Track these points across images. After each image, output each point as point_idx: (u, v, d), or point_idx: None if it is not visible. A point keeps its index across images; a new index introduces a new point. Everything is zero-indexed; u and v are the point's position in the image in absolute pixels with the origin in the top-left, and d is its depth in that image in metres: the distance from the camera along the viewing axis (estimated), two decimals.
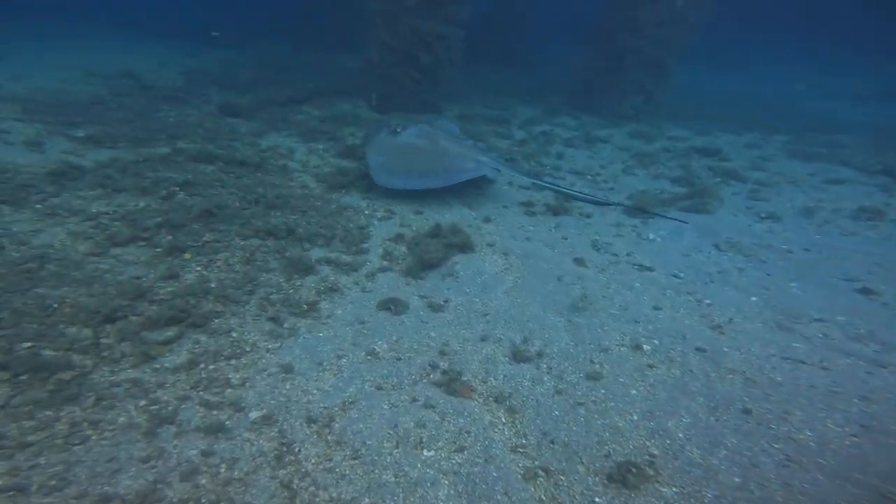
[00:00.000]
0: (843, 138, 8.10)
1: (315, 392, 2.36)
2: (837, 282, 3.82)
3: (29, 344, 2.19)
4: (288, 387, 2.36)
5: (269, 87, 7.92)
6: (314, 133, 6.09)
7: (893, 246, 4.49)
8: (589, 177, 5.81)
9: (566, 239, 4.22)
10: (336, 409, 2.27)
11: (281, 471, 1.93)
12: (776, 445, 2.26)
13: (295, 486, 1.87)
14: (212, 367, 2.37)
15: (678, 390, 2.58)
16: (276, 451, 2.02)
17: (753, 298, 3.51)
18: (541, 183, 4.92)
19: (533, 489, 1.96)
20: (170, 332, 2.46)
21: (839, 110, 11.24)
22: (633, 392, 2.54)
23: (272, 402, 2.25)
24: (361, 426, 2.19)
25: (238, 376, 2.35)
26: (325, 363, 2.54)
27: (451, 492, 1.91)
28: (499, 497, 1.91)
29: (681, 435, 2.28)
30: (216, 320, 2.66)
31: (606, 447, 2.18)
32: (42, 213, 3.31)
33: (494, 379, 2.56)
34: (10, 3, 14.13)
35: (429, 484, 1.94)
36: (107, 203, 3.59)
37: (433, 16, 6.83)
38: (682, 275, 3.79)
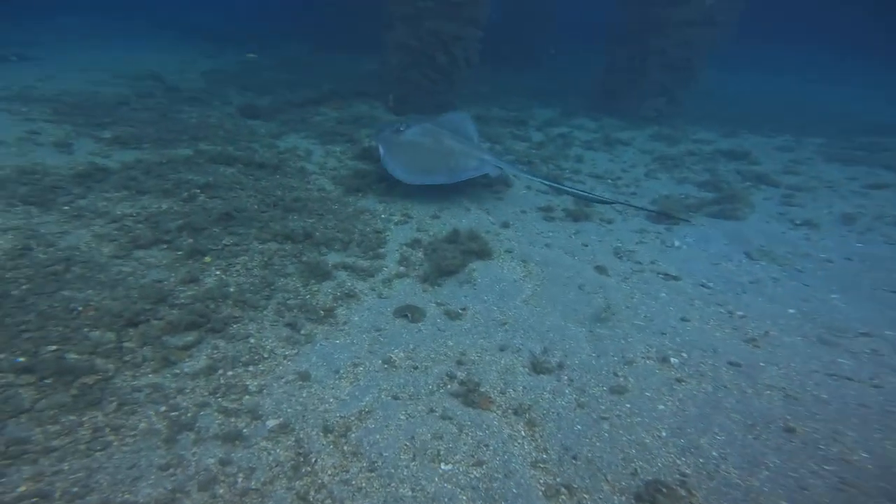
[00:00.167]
0: (885, 140, 7.68)
1: (331, 400, 2.34)
2: (884, 294, 3.61)
3: (54, 347, 2.23)
4: (304, 395, 2.35)
5: (287, 89, 8.00)
6: (332, 135, 6.11)
7: None
8: (610, 181, 5.66)
9: (587, 246, 4.12)
10: (352, 418, 2.25)
11: (297, 482, 1.91)
12: (827, 467, 2.13)
13: (311, 499, 1.85)
14: (230, 373, 2.37)
15: (710, 406, 2.47)
16: (292, 462, 2.00)
17: (791, 310, 3.35)
18: (545, 182, 4.85)
19: None
20: (189, 337, 2.48)
21: (872, 112, 10.75)
22: (661, 407, 2.45)
23: (289, 410, 2.24)
24: (378, 437, 2.16)
25: (256, 383, 2.35)
26: (341, 371, 2.52)
27: None
28: None
29: (715, 453, 2.18)
30: (234, 325, 2.67)
31: (633, 464, 2.10)
32: (69, 214, 3.38)
33: (513, 390, 2.50)
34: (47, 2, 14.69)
35: (447, 499, 1.89)
36: (131, 205, 3.66)
37: (452, 17, 6.77)
38: (710, 284, 3.65)
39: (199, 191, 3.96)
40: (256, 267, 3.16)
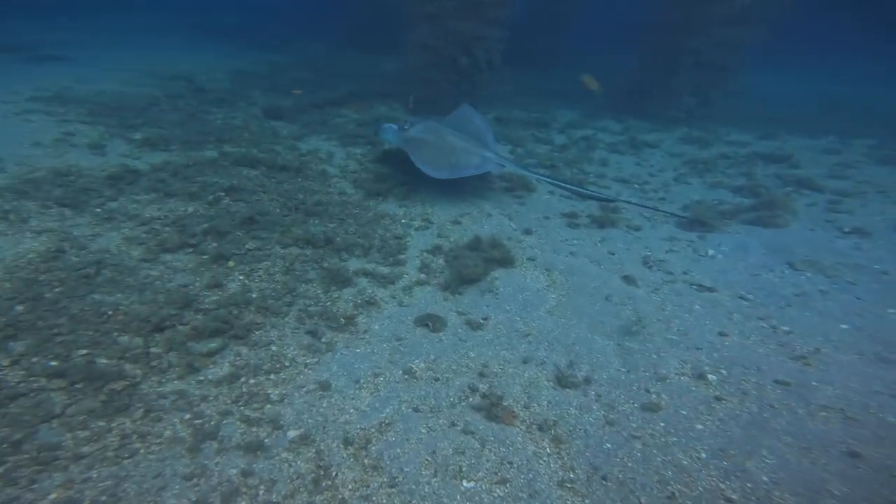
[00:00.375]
0: None
1: (352, 411, 2.32)
2: None
3: (85, 351, 2.27)
4: (325, 405, 2.33)
5: (309, 90, 8.07)
6: (352, 137, 6.12)
7: None
8: (637, 185, 5.48)
9: (613, 254, 3.99)
10: (373, 430, 2.22)
11: (318, 496, 1.89)
12: None
13: None
14: (252, 381, 2.38)
15: (756, 427, 2.33)
16: (313, 474, 1.99)
17: (844, 326, 3.15)
18: (549, 181, 4.75)
19: None
20: (213, 344, 2.50)
21: None
22: (699, 427, 2.33)
23: (309, 420, 2.23)
24: (398, 451, 2.13)
25: (277, 392, 2.35)
26: (361, 381, 2.50)
27: None
28: None
29: (766, 478, 2.05)
30: (257, 332, 2.67)
31: (670, 487, 2.00)
32: (101, 217, 3.47)
33: (538, 405, 2.43)
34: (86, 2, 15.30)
35: None
36: (159, 208, 3.73)
37: (474, 17, 6.69)
38: (750, 297, 3.46)
39: (223, 194, 4.01)
40: (278, 272, 3.18)
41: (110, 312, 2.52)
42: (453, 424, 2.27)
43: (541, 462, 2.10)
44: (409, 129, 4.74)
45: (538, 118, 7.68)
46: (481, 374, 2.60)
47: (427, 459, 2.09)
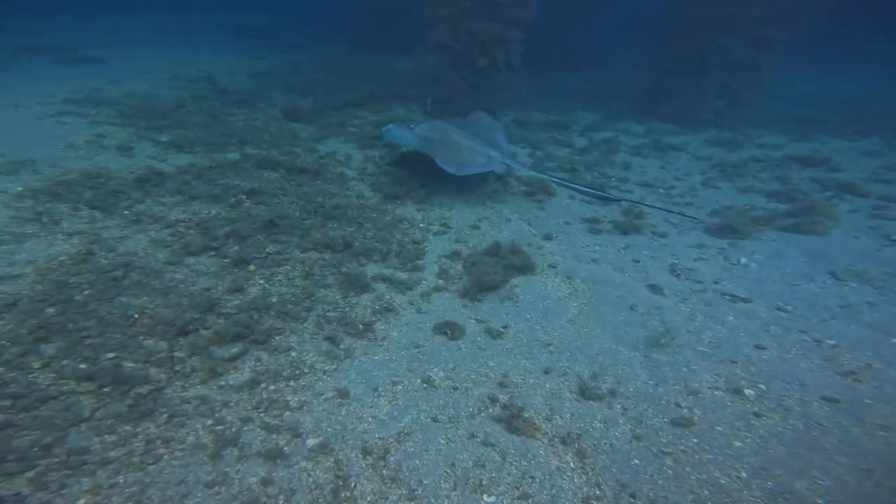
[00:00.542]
0: None
1: (370, 420, 2.31)
2: None
3: (112, 354, 2.32)
4: (343, 413, 2.33)
5: (328, 91, 8.14)
6: (370, 139, 6.13)
7: None
8: (661, 190, 5.31)
9: (638, 262, 3.87)
10: (391, 440, 2.20)
11: None
12: None
13: None
14: (272, 387, 2.39)
15: (804, 446, 2.22)
16: (332, 484, 1.98)
17: None
18: (556, 181, 4.72)
19: None
20: (234, 349, 2.52)
21: None
22: (738, 444, 2.23)
23: (328, 429, 2.23)
24: (417, 462, 2.10)
25: (296, 399, 2.35)
26: (380, 389, 2.49)
27: None
28: None
29: (821, 501, 1.96)
30: (277, 337, 2.69)
31: None
32: (129, 219, 3.55)
33: (560, 417, 2.37)
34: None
35: None
36: (183, 210, 3.80)
37: (494, 18, 6.60)
38: (789, 308, 3.31)
39: (244, 196, 4.06)
40: (298, 277, 3.19)
41: (136, 316, 2.58)
42: (473, 436, 2.24)
43: (564, 477, 2.05)
44: (414, 128, 4.80)
45: (558, 120, 7.54)
46: (501, 385, 2.55)
47: (446, 472, 2.06)
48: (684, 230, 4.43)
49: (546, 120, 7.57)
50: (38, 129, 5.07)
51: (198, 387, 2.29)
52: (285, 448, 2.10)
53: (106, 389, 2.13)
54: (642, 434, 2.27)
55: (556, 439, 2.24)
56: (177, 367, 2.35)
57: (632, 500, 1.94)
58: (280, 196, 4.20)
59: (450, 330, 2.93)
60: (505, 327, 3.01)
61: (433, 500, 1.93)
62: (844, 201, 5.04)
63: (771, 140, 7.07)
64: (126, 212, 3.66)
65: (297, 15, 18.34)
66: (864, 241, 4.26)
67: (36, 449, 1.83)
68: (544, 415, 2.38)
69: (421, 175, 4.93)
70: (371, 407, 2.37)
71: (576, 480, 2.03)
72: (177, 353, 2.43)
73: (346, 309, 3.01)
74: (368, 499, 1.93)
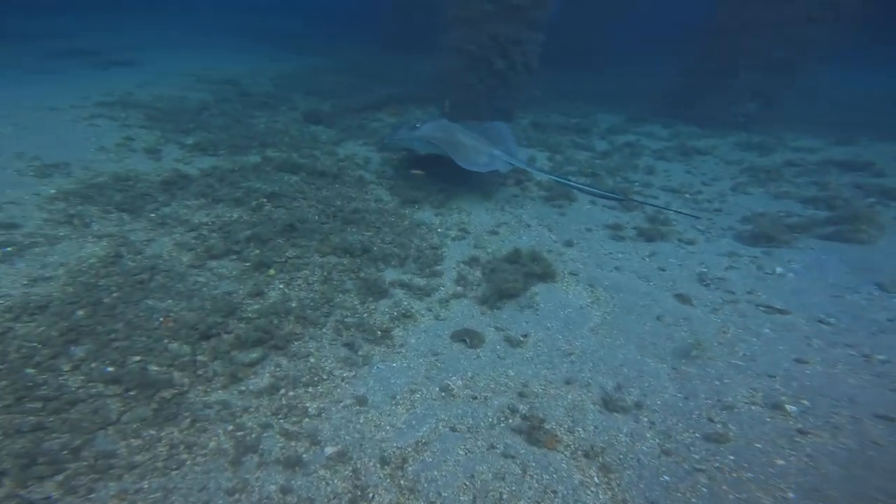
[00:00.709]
0: None
1: (388, 428, 2.29)
2: None
3: (138, 358, 2.37)
4: (362, 420, 2.31)
5: (348, 93, 8.20)
6: None
7: None
8: (688, 195, 5.14)
9: (664, 270, 3.75)
10: (409, 449, 2.18)
11: None
12: None
13: None
14: (291, 393, 2.39)
15: (859, 466, 2.10)
16: (349, 494, 1.96)
17: None
18: (562, 181, 4.65)
19: None
20: (255, 354, 2.54)
21: None
22: (781, 462, 2.12)
23: (346, 437, 2.22)
24: (436, 473, 2.07)
25: (315, 406, 2.35)
26: (398, 397, 2.47)
27: None
28: None
29: None
30: (296, 343, 2.70)
31: None
32: (155, 222, 3.64)
33: (583, 429, 2.31)
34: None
35: None
36: (207, 213, 3.87)
37: (512, 20, 6.53)
38: (832, 321, 3.16)
39: (265, 200, 4.12)
40: (317, 282, 3.20)
41: (162, 319, 2.62)
42: (492, 447, 2.20)
43: (588, 492, 1.98)
44: (420, 127, 4.85)
45: (578, 123, 7.40)
46: (521, 395, 2.50)
47: (465, 484, 2.02)
48: (713, 237, 4.28)
49: (565, 123, 7.45)
50: (72, 132, 5.25)
51: (219, 391, 2.32)
52: (304, 455, 2.10)
53: (132, 393, 2.17)
54: (672, 449, 2.18)
55: (579, 452, 2.18)
56: (199, 372, 2.38)
57: None
58: (300, 199, 4.24)
59: (468, 338, 2.90)
60: (525, 336, 2.95)
61: None
62: (889, 208, 4.78)
63: (807, 143, 6.76)
64: (152, 214, 3.75)
65: (326, 19, 18.59)
66: None
67: (65, 452, 1.88)
68: (566, 427, 2.32)
69: (440, 179, 4.90)
70: (389, 415, 2.35)
71: (601, 496, 1.97)
72: (199, 358, 2.46)
73: (365, 315, 3.00)
74: None
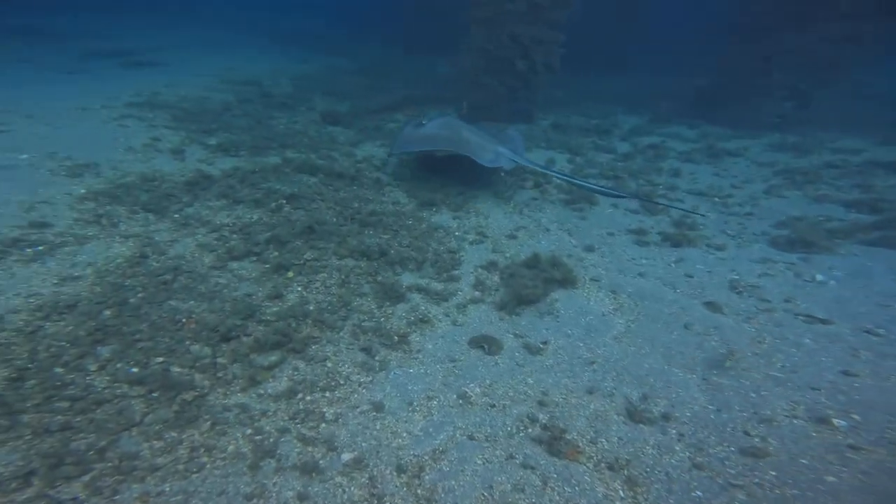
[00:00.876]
0: None
1: (405, 435, 2.26)
2: None
3: (161, 359, 2.41)
4: (378, 427, 2.30)
5: (366, 94, 8.23)
6: None
7: None
8: (717, 199, 4.94)
9: (691, 277, 3.61)
10: (426, 457, 2.15)
11: None
12: None
13: None
14: (308, 398, 2.39)
15: None
16: (366, 503, 1.94)
17: None
18: (563, 177, 4.60)
19: None
20: (273, 357, 2.55)
21: None
22: (831, 479, 2.02)
23: (363, 444, 2.20)
24: (453, 482, 2.04)
25: (332, 411, 2.35)
26: (415, 403, 2.44)
27: None
28: None
29: None
30: (313, 346, 2.70)
31: None
32: (178, 223, 3.71)
33: (606, 441, 2.24)
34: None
35: None
36: (228, 214, 3.93)
37: (534, 20, 6.42)
38: (881, 331, 2.99)
39: (285, 201, 4.15)
40: (334, 285, 3.21)
41: (184, 320, 2.67)
42: (511, 457, 2.15)
43: None
44: (426, 123, 4.85)
45: (599, 124, 7.23)
46: (541, 403, 2.45)
47: (483, 495, 1.98)
48: (745, 243, 4.10)
49: (586, 124, 7.28)
50: (102, 132, 5.42)
51: (238, 394, 2.33)
52: (321, 462, 2.09)
53: (155, 394, 2.21)
54: (704, 463, 2.09)
55: (603, 464, 2.11)
56: (219, 374, 2.41)
57: None
58: (318, 201, 4.26)
59: (487, 344, 2.85)
60: (545, 343, 2.89)
61: None
62: None
63: (848, 144, 6.41)
64: (176, 215, 3.82)
65: (349, 18, 18.72)
66: None
67: (91, 452, 1.92)
68: (588, 437, 2.25)
69: (457, 181, 4.86)
70: (406, 422, 2.33)
71: None
72: (219, 360, 2.49)
73: (382, 319, 2.99)
74: None
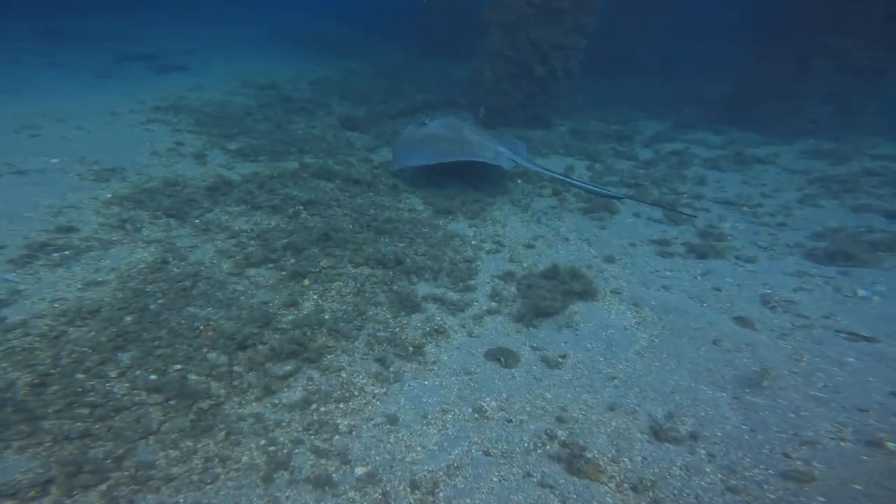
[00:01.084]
0: None
1: (419, 449, 2.22)
2: None
3: (179, 366, 2.43)
4: (392, 440, 2.26)
5: (383, 99, 8.26)
6: None
7: None
8: (746, 208, 4.74)
9: (720, 290, 3.47)
10: (440, 473, 2.10)
11: None
12: None
13: None
14: (322, 409, 2.37)
15: None
16: None
17: None
18: (570, 180, 4.55)
19: None
20: (288, 367, 2.54)
21: None
22: None
23: (377, 457, 2.16)
24: (468, 500, 1.99)
25: (346, 423, 2.32)
26: (429, 416, 2.39)
27: None
28: None
29: None
30: (328, 356, 2.69)
31: None
32: (199, 228, 3.76)
33: (629, 460, 2.15)
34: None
35: None
36: (246, 220, 3.97)
37: (554, 24, 6.32)
38: None
39: (302, 208, 4.17)
40: (349, 294, 3.19)
41: (202, 327, 2.69)
42: (528, 475, 2.09)
43: None
44: (428, 123, 4.92)
45: (619, 130, 7.05)
46: (559, 419, 2.37)
47: None
48: (777, 255, 3.92)
49: (606, 130, 7.13)
50: (129, 137, 5.56)
51: (253, 404, 2.33)
52: (334, 475, 2.06)
53: (172, 402, 2.22)
54: (739, 487, 1.98)
55: (626, 485, 2.02)
56: (235, 383, 2.41)
57: None
58: (334, 208, 4.27)
59: (503, 356, 2.79)
60: (563, 357, 2.81)
61: None
62: None
63: (889, 150, 6.10)
64: (197, 220, 3.88)
65: (368, 21, 18.90)
66: None
67: (108, 461, 1.93)
68: (610, 456, 2.17)
69: (473, 188, 4.81)
70: (420, 435, 2.28)
71: None
72: (235, 368, 2.49)
73: (397, 329, 2.95)
74: None
